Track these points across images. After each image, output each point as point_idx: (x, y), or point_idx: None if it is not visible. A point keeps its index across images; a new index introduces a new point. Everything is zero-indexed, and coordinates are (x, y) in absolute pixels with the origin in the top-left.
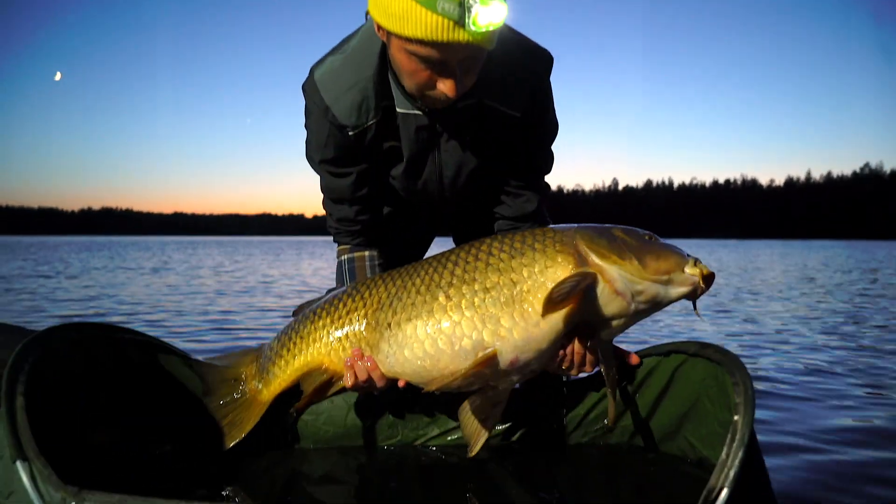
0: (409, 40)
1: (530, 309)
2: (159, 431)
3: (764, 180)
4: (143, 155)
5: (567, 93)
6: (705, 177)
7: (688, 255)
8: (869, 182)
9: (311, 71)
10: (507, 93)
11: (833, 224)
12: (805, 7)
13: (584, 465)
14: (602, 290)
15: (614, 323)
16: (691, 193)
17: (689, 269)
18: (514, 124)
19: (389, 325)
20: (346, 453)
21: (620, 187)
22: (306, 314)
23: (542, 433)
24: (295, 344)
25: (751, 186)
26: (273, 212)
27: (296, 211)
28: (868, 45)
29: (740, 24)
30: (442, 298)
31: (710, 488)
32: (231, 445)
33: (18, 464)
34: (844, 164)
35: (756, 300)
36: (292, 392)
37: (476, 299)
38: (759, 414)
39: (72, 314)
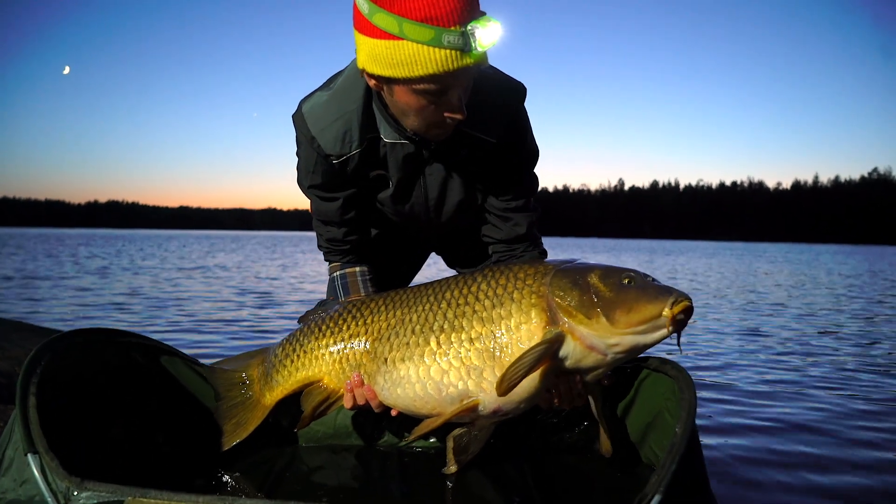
0: (420, 80)
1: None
2: (162, 429)
3: (771, 183)
4: (150, 149)
5: (574, 92)
6: (712, 178)
7: (668, 295)
8: (877, 187)
9: (300, 104)
10: (483, 121)
11: (840, 228)
12: (816, 9)
13: (557, 470)
14: (574, 347)
15: (594, 372)
16: (697, 195)
17: (667, 312)
18: (492, 150)
19: (386, 360)
20: (335, 451)
21: (626, 187)
22: (310, 326)
23: (519, 439)
24: (298, 357)
25: (758, 189)
26: (278, 207)
27: (301, 207)
28: (879, 49)
29: (750, 26)
30: (433, 344)
31: (644, 494)
32: (234, 444)
33: (29, 456)
34: (853, 169)
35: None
36: (292, 394)
37: (462, 349)
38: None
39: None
